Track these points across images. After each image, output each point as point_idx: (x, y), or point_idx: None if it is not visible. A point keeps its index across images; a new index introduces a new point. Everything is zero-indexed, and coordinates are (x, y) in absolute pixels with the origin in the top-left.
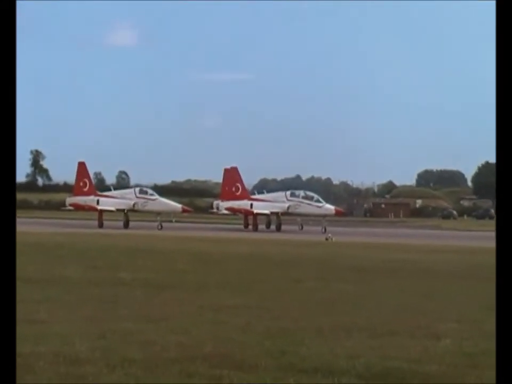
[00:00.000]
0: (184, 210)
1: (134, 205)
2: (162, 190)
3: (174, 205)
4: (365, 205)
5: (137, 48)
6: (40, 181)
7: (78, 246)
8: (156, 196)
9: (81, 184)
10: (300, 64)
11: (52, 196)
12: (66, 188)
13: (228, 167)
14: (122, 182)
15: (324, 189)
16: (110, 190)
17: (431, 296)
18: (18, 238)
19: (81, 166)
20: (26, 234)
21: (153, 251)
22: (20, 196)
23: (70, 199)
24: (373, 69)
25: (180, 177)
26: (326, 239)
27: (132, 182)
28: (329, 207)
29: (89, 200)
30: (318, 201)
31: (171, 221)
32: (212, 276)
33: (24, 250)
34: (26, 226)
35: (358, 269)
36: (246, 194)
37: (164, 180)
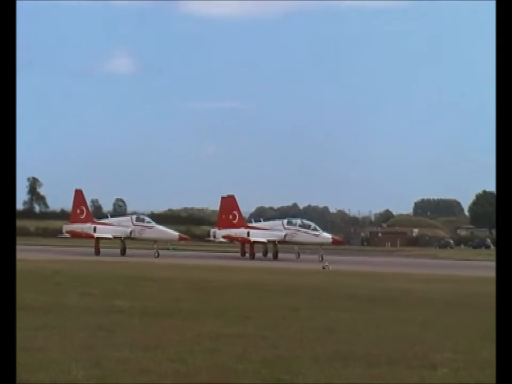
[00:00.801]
0: (181, 238)
1: (131, 232)
2: (159, 218)
3: (171, 232)
4: (362, 234)
5: (135, 76)
6: (37, 208)
7: (74, 273)
8: (153, 224)
9: (78, 211)
10: (296, 94)
11: (48, 223)
12: (63, 215)
13: (225, 195)
14: (119, 210)
15: (321, 217)
16: (107, 217)
17: (427, 326)
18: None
19: (78, 194)
20: (23, 261)
21: (150, 279)
22: (17, 223)
23: (67, 227)
24: (369, 98)
25: (177, 205)
26: (323, 267)
27: (129, 210)
28: (327, 236)
29: (86, 227)
30: (315, 229)
31: (168, 249)
32: (209, 304)
33: (20, 278)
34: (23, 253)
35: (355, 297)
36: (243, 223)
37: (161, 208)
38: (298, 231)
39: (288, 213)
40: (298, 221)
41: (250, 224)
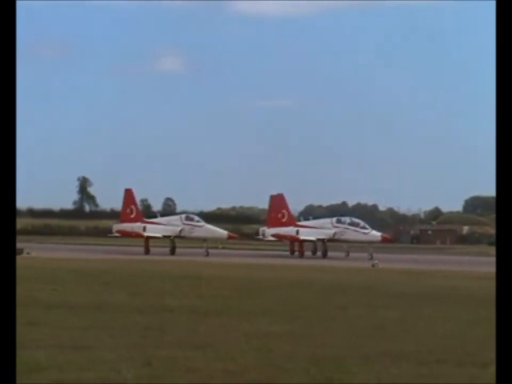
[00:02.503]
0: (230, 237)
1: (180, 231)
2: (208, 217)
3: (220, 231)
4: (411, 232)
5: (184, 75)
6: (87, 208)
7: (124, 272)
8: (202, 223)
9: (128, 210)
10: (346, 90)
11: (98, 223)
12: (113, 215)
13: (274, 193)
14: (169, 209)
15: (370, 215)
16: (156, 216)
17: (477, 323)
18: (65, 265)
19: (128, 193)
20: (73, 261)
21: (199, 277)
22: (67, 223)
23: (117, 226)
24: (419, 93)
25: (226, 204)
26: (373, 265)
27: (178, 209)
28: (376, 234)
29: (136, 226)
30: (364, 227)
31: (217, 248)
32: (257, 302)
33: (70, 277)
34: (74, 252)
35: (404, 295)
36: (292, 221)
37: (210, 207)
38: (348, 229)
39: (337, 211)
40: (348, 219)
41: (299, 223)
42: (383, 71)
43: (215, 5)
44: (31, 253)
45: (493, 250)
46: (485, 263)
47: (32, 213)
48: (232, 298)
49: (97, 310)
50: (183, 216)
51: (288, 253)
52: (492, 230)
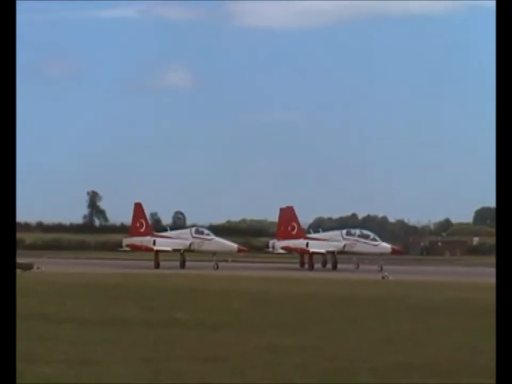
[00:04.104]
0: (239, 250)
1: (190, 245)
2: (218, 230)
3: (230, 244)
4: (421, 243)
5: (190, 90)
6: (97, 222)
7: (134, 286)
8: (212, 236)
9: (137, 224)
10: (354, 101)
11: (108, 237)
12: (123, 229)
13: (284, 206)
14: (179, 222)
15: (380, 227)
16: (166, 230)
17: (488, 335)
18: (75, 279)
19: (138, 207)
20: (83, 275)
21: (209, 291)
22: (77, 237)
23: (127, 240)
24: (426, 107)
25: (236, 217)
26: (383, 277)
27: (188, 222)
28: (386, 246)
29: (146, 240)
30: (374, 239)
31: (227, 261)
32: (267, 315)
33: (80, 292)
34: (84, 267)
35: (415, 308)
36: (301, 233)
37: (220, 220)
38: (357, 241)
39: (347, 223)
40: (357, 231)
41: (309, 235)
42: (391, 80)
43: (224, 17)
44: (41, 268)
45: None
46: (494, 274)
47: (42, 227)
48: (242, 312)
49: (108, 324)
50: (193, 229)
51: (298, 265)
52: None
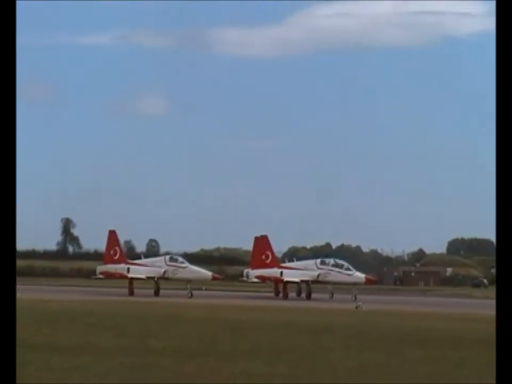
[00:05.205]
0: (214, 278)
1: (164, 272)
2: (192, 258)
3: (204, 272)
4: (395, 273)
5: (168, 117)
6: (70, 249)
7: (108, 314)
8: (186, 264)
9: (111, 252)
10: (329, 130)
11: (82, 264)
12: (96, 256)
13: (258, 235)
14: (153, 250)
15: (354, 256)
16: (140, 258)
17: (462, 365)
18: (50, 306)
19: (112, 234)
20: (57, 302)
21: (183, 319)
22: (51, 264)
23: (101, 267)
24: (401, 138)
25: (210, 245)
26: (356, 307)
27: (162, 250)
28: (360, 275)
29: (120, 268)
30: (348, 269)
31: (201, 289)
32: (242, 344)
33: (55, 319)
34: (57, 294)
35: (389, 338)
36: (276, 262)
37: (193, 248)
38: (332, 270)
39: (321, 252)
40: (331, 261)
41: (283, 264)
42: (368, 111)
43: (203, 46)
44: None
45: (476, 292)
46: (468, 305)
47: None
48: (217, 340)
49: (82, 351)
50: (167, 257)
51: (272, 294)
52: (475, 272)
